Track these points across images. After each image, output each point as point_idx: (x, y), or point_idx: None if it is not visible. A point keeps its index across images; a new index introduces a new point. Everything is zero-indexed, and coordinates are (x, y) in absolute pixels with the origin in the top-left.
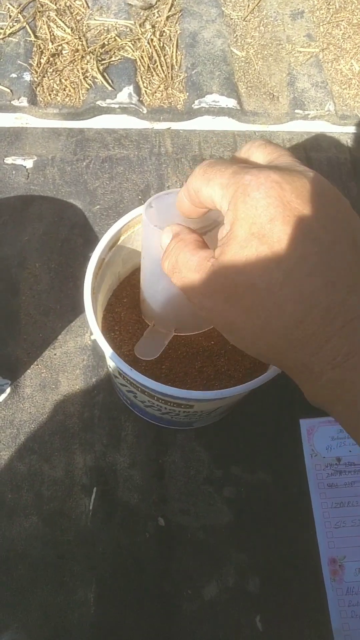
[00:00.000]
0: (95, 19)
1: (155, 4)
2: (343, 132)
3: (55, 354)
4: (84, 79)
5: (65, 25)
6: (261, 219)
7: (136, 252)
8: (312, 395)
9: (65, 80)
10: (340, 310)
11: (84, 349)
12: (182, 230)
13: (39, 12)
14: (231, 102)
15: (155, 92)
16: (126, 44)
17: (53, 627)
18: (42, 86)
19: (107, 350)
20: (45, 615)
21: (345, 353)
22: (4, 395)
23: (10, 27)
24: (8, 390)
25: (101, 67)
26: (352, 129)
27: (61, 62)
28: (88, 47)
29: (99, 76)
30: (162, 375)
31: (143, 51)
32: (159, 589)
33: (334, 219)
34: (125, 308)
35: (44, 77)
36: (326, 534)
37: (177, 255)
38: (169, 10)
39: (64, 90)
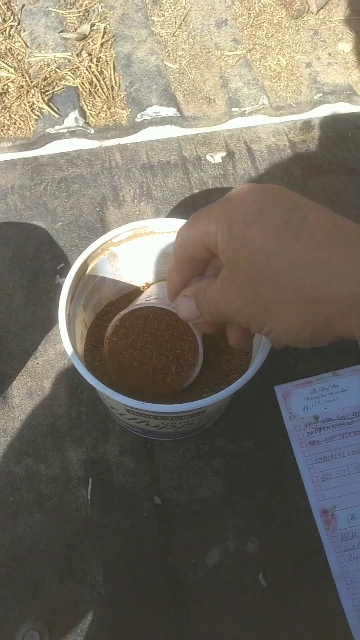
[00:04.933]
0: (35, 56)
1: (89, 34)
2: (279, 122)
3: (37, 363)
4: (31, 111)
5: (8, 65)
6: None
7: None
8: None
9: (15, 114)
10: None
11: (63, 355)
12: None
13: None
14: (171, 111)
15: (100, 113)
16: (66, 73)
17: (68, 612)
18: None
19: (116, 396)
20: (59, 602)
21: None
22: None
23: None
24: None
25: (46, 98)
26: (287, 118)
27: (9, 99)
28: (32, 82)
29: (45, 106)
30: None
31: (83, 78)
32: (163, 563)
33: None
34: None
35: None
36: (314, 488)
37: (207, 302)
38: (102, 38)
39: (15, 124)
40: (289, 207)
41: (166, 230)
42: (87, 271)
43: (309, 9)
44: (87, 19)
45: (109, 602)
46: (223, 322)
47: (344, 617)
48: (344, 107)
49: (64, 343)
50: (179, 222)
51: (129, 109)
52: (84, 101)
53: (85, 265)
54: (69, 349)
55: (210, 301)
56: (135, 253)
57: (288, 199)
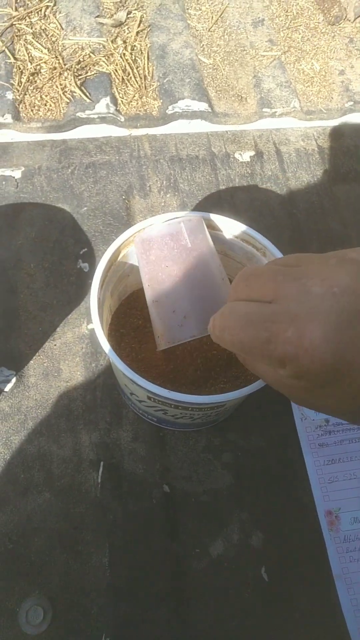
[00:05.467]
0: (69, 39)
1: (125, 21)
2: (309, 127)
3: (55, 345)
4: (63, 93)
5: (42, 46)
6: None
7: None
8: None
9: (46, 96)
10: None
11: (81, 338)
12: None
13: (17, 36)
14: (203, 106)
15: (131, 102)
16: (100, 59)
17: (72, 591)
18: (25, 103)
19: (143, 382)
20: (64, 581)
21: None
22: (10, 385)
23: None
24: (14, 380)
25: (78, 82)
26: (317, 123)
27: (40, 80)
28: (65, 65)
29: (77, 90)
30: (187, 384)
31: (117, 65)
32: (168, 550)
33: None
34: (132, 328)
35: (26, 94)
36: (321, 489)
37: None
38: (138, 26)
39: (45, 105)
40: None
41: None
42: (119, 258)
43: (346, 16)
44: (124, 6)
45: (113, 584)
46: None
47: (341, 616)
48: None
49: (96, 330)
50: (212, 217)
51: (161, 100)
52: (116, 88)
53: (118, 251)
54: (100, 333)
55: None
56: None
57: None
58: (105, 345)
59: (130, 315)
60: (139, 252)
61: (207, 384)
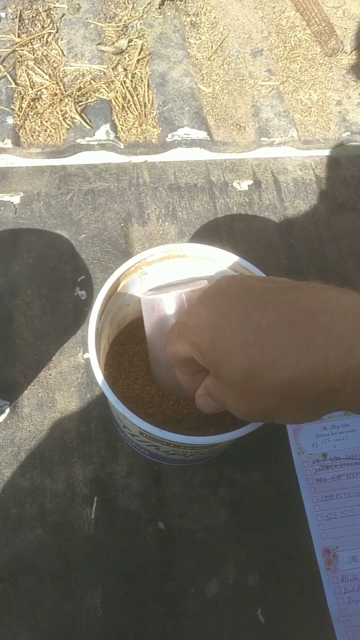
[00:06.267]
0: (70, 65)
1: (126, 49)
2: (307, 156)
3: (50, 374)
4: (63, 120)
5: (43, 72)
6: None
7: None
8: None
9: (46, 122)
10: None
11: (77, 368)
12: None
13: (18, 62)
14: (202, 134)
15: (131, 129)
16: (101, 86)
17: (63, 635)
18: (25, 128)
19: (134, 419)
20: (54, 623)
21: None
22: (3, 416)
23: None
24: (7, 410)
25: (79, 108)
26: (315, 152)
27: (41, 105)
28: (66, 91)
29: (78, 116)
30: (183, 423)
31: (117, 92)
32: (162, 590)
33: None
34: (128, 356)
35: (26, 120)
36: (318, 526)
37: (218, 400)
38: (139, 54)
39: (45, 131)
40: (242, 296)
41: (199, 256)
42: (119, 288)
43: (343, 49)
44: (125, 34)
45: (105, 626)
46: None
47: None
48: None
49: (91, 360)
50: (212, 250)
51: (160, 128)
52: (117, 115)
53: (117, 282)
54: (95, 365)
55: (220, 400)
56: (165, 274)
57: (238, 292)
58: (99, 376)
59: (128, 344)
60: (144, 309)
61: (201, 424)
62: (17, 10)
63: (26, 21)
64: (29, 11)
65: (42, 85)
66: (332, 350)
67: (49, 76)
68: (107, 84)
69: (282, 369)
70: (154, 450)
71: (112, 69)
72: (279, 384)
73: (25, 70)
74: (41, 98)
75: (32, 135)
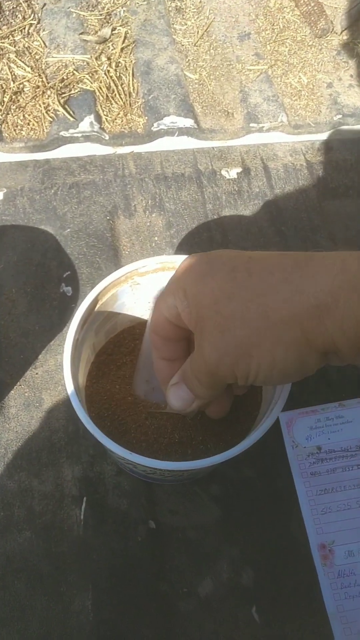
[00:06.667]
0: (53, 57)
1: (110, 37)
2: (297, 141)
3: (37, 373)
4: (46, 112)
5: (25, 64)
6: None
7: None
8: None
9: (29, 115)
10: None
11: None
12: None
13: None
14: (188, 122)
15: (116, 119)
16: (84, 76)
17: (53, 638)
18: (7, 122)
19: (111, 445)
20: (45, 626)
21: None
22: None
23: None
24: None
25: (62, 100)
26: (305, 137)
27: (23, 99)
28: (48, 83)
29: (61, 109)
30: (161, 449)
31: (101, 82)
32: (155, 590)
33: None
34: (115, 367)
35: (8, 114)
36: (313, 521)
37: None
38: (123, 43)
39: (28, 124)
40: (234, 254)
41: None
42: (107, 297)
43: (333, 29)
44: (108, 23)
45: (97, 628)
46: (218, 392)
47: None
48: None
49: (64, 371)
50: None
51: (146, 117)
52: (101, 106)
53: (105, 290)
54: (67, 376)
55: (196, 370)
56: (159, 286)
57: (231, 252)
58: (69, 387)
59: (116, 354)
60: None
61: (191, 443)
62: None
63: (6, 12)
64: (9, 2)
65: (24, 78)
66: (322, 268)
67: (31, 68)
68: (90, 74)
69: (271, 290)
70: (132, 467)
71: (96, 59)
72: (265, 308)
73: (7, 63)
74: (23, 91)
75: (14, 130)
